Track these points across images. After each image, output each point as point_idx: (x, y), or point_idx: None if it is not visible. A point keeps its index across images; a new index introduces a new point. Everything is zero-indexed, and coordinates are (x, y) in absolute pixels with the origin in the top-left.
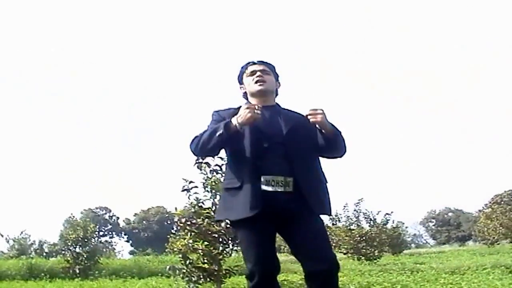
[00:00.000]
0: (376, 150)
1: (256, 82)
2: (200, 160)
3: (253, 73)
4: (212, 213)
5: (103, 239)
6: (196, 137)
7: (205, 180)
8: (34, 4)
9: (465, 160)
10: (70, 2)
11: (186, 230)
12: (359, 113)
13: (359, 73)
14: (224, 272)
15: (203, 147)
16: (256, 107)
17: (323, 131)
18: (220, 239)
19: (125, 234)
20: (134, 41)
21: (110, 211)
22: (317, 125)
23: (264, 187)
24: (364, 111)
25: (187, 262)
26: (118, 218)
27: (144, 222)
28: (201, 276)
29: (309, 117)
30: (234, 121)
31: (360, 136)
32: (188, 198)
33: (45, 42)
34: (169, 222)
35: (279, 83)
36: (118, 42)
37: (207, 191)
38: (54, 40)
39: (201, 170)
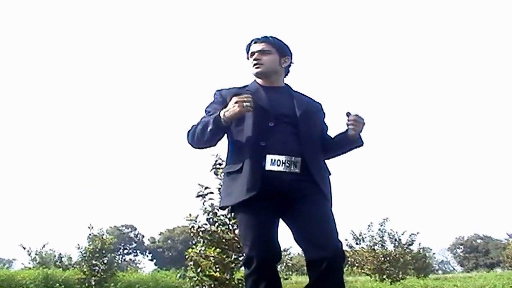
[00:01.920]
0: (405, 172)
1: (254, 65)
2: (217, 165)
3: (252, 54)
4: (227, 220)
5: (127, 257)
6: (192, 127)
7: (221, 185)
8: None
9: (494, 186)
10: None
11: (199, 237)
12: (390, 132)
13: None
14: (236, 281)
15: (199, 141)
16: (246, 98)
17: (348, 135)
18: (234, 247)
19: (149, 253)
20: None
21: (135, 229)
22: (349, 131)
23: (269, 167)
24: (396, 131)
25: (198, 270)
26: (143, 236)
27: (169, 241)
28: (212, 285)
29: (349, 122)
30: (222, 114)
31: (389, 156)
32: (203, 204)
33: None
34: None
35: (287, 59)
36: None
37: (218, 207)
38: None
39: (217, 175)
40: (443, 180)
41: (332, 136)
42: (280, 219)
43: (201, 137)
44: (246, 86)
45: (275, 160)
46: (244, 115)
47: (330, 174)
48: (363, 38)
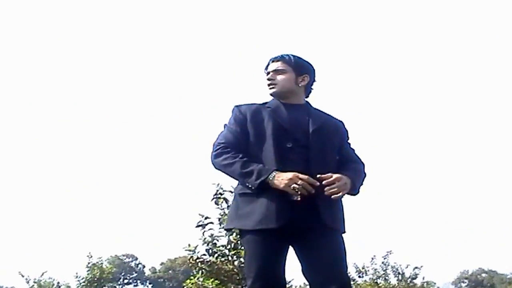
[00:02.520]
0: (409, 204)
1: (268, 85)
2: (218, 195)
3: (268, 74)
4: (227, 251)
5: (127, 287)
6: (220, 146)
7: (221, 215)
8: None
9: (499, 220)
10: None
11: (197, 268)
12: (394, 164)
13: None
14: None
15: (225, 171)
16: (300, 183)
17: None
18: (233, 278)
19: (150, 283)
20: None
21: (136, 258)
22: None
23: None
24: (399, 163)
25: None
26: (144, 266)
27: (170, 271)
28: None
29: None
30: (271, 179)
31: (393, 188)
32: (203, 234)
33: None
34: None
35: (305, 78)
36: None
37: (223, 227)
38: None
39: (218, 205)
40: (448, 213)
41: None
42: (290, 246)
43: (231, 174)
44: (266, 102)
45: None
46: (264, 132)
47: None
48: (365, 50)
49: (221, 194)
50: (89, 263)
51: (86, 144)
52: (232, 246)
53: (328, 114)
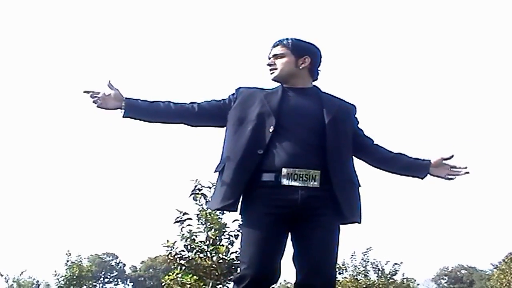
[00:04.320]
0: (389, 200)
1: (269, 71)
2: (197, 191)
3: (269, 59)
4: (205, 247)
5: (108, 286)
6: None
7: (200, 211)
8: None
9: (478, 217)
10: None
11: (176, 264)
12: None
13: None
14: None
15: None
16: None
17: (416, 171)
18: (211, 274)
19: (130, 282)
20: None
21: (117, 257)
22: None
23: (285, 182)
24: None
25: None
26: (124, 265)
27: (150, 270)
28: None
29: (449, 172)
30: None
31: (373, 183)
32: (181, 230)
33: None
34: None
35: (306, 59)
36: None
37: (201, 223)
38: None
39: (196, 200)
40: (428, 210)
41: (401, 153)
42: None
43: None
44: (273, 88)
45: (290, 173)
46: (247, 116)
47: (359, 186)
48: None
49: (199, 189)
50: (68, 261)
51: (64, 141)
52: (211, 242)
53: (339, 98)
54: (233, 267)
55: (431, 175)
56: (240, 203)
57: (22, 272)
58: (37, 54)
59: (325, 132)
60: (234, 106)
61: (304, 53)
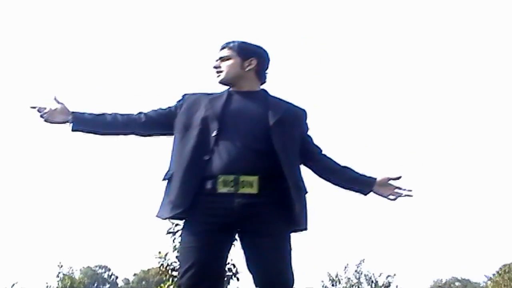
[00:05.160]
0: (382, 211)
1: (216, 74)
2: None
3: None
4: None
5: None
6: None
7: None
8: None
9: (472, 229)
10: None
11: (168, 276)
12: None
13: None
14: None
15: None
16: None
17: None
18: None
19: None
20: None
21: (109, 270)
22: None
23: (221, 189)
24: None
25: None
26: (117, 277)
27: (143, 282)
28: None
29: (392, 192)
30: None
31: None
32: (173, 241)
33: None
34: None
35: (252, 61)
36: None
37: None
38: None
39: None
40: (421, 222)
41: (347, 166)
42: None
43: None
44: (220, 92)
45: (226, 180)
46: (192, 122)
47: (306, 192)
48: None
49: None
50: (59, 273)
51: (55, 152)
52: None
53: (289, 103)
54: (225, 278)
55: (374, 192)
56: None
57: (13, 284)
58: None
59: (269, 136)
60: (180, 113)
61: (250, 55)
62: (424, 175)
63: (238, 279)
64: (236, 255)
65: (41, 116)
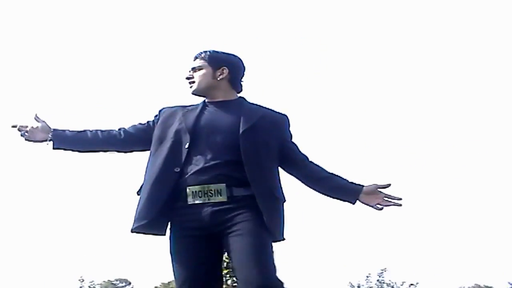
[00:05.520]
0: (402, 220)
1: (189, 84)
2: None
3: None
4: None
5: None
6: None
7: None
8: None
9: (495, 235)
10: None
11: None
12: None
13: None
14: None
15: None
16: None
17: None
18: None
19: None
20: None
21: (129, 283)
22: (375, 206)
23: (191, 201)
24: (392, 176)
25: None
26: None
27: None
28: None
29: (381, 201)
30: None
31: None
32: None
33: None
34: None
35: (224, 70)
36: None
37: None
38: None
39: None
40: (444, 228)
41: (331, 173)
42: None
43: None
44: (195, 105)
45: (195, 191)
46: (166, 135)
47: (284, 200)
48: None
49: None
50: (81, 287)
51: (75, 166)
52: (225, 265)
53: (267, 109)
54: None
55: (360, 201)
56: (165, 225)
57: None
58: None
59: (239, 144)
60: (156, 127)
61: (221, 64)
62: (448, 181)
63: None
64: None
65: (22, 135)
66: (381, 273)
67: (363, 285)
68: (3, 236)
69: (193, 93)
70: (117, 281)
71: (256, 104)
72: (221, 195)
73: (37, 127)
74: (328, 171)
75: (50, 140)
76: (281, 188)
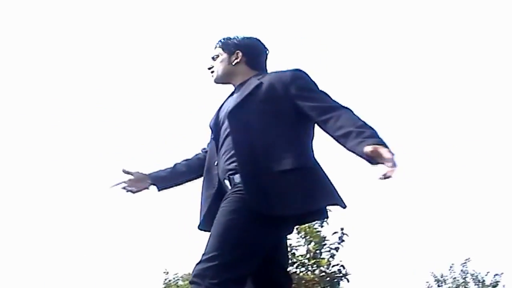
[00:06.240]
0: (485, 207)
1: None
2: None
3: None
4: (306, 261)
5: None
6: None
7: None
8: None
9: None
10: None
11: None
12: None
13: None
14: None
15: None
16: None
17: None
18: None
19: None
20: None
21: None
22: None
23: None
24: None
25: None
26: None
27: None
28: None
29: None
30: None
31: (467, 190)
32: None
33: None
34: None
35: (238, 54)
36: None
37: (301, 237)
38: None
39: None
40: None
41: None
42: None
43: None
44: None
45: (226, 185)
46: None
47: (295, 168)
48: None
49: None
50: (166, 279)
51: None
52: (312, 255)
53: (274, 72)
54: (335, 280)
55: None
56: None
57: None
58: None
59: (227, 127)
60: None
61: (235, 49)
62: None
63: (348, 280)
64: (346, 256)
65: (128, 192)
66: (465, 263)
67: (446, 276)
68: (101, 231)
69: (214, 82)
70: None
71: (263, 73)
72: (230, 186)
73: (131, 178)
74: (358, 122)
75: (150, 185)
76: (302, 153)
